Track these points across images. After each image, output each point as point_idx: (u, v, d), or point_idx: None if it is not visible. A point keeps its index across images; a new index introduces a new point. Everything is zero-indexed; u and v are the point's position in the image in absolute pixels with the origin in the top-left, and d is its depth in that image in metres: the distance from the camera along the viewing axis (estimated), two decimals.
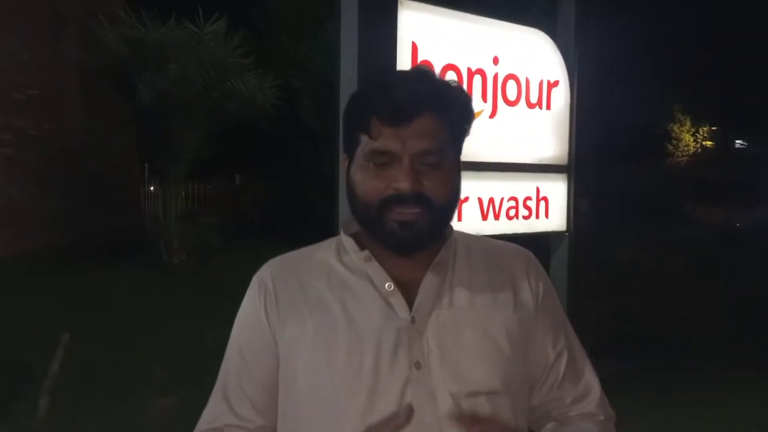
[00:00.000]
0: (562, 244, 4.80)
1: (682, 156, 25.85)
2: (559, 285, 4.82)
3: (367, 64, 3.55)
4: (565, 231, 4.73)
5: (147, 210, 12.65)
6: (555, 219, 4.66)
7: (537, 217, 4.55)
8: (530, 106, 4.48)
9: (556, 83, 4.65)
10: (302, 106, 11.34)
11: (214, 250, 9.94)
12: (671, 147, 25.53)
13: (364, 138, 1.06)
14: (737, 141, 29.10)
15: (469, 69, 4.08)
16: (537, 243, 4.66)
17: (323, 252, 1.17)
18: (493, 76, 4.21)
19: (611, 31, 12.40)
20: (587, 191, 4.91)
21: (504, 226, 4.29)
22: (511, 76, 4.33)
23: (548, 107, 4.60)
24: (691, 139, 26.29)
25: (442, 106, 1.06)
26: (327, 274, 1.13)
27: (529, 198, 4.50)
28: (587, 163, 4.83)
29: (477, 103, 4.09)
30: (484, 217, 4.18)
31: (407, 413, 1.02)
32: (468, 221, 4.08)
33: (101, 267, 8.25)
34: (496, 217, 4.27)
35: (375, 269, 1.10)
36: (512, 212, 4.38)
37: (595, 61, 5.06)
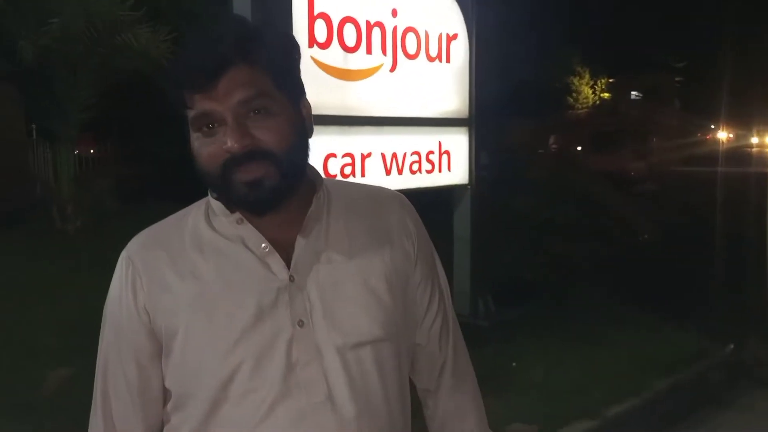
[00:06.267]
0: (465, 196, 4.90)
1: (582, 108, 26.81)
2: (462, 236, 4.94)
3: (262, 16, 3.43)
4: (468, 184, 4.82)
5: (38, 174, 12.00)
6: (458, 172, 4.74)
7: (440, 170, 4.60)
8: (430, 59, 4.48)
9: (455, 36, 4.66)
10: None
11: (111, 214, 9.56)
12: (571, 99, 26.42)
13: (186, 110, 1.01)
14: (633, 92, 30.42)
15: (367, 22, 4.02)
16: (440, 196, 4.73)
17: (193, 217, 1.12)
18: (392, 28, 4.18)
19: None
20: (488, 144, 4.99)
21: (408, 181, 4.33)
22: (410, 29, 4.30)
23: (448, 60, 4.61)
24: (590, 92, 27.29)
25: (248, 54, 0.99)
26: (198, 242, 1.08)
27: (431, 152, 4.54)
28: (488, 116, 4.90)
29: (377, 57, 4.06)
30: (388, 172, 4.19)
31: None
32: (372, 176, 4.08)
33: None
34: (400, 171, 4.29)
35: (248, 231, 1.06)
36: (415, 167, 4.41)
37: (494, 14, 5.10)
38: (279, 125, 1.00)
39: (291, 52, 1.05)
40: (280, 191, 1.02)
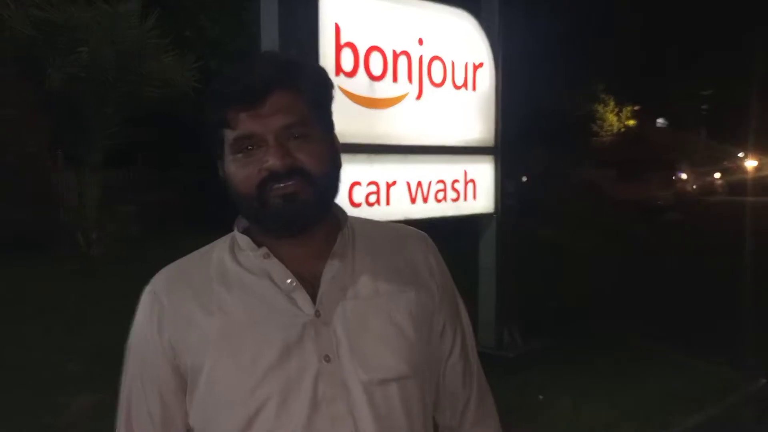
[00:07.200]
0: (490, 225, 4.86)
1: (607, 135, 26.69)
2: (488, 266, 4.88)
3: (290, 45, 3.45)
4: (493, 213, 4.78)
5: (63, 200, 12.15)
6: (483, 201, 4.70)
7: (465, 199, 4.57)
8: (456, 87, 4.48)
9: (481, 65, 4.65)
10: None
11: (135, 240, 9.63)
12: (596, 127, 26.31)
13: (226, 132, 1.03)
14: (658, 120, 30.26)
15: (394, 51, 4.03)
16: (465, 224, 4.69)
17: (218, 252, 1.12)
18: (418, 57, 4.18)
19: (535, 13, 12.58)
20: (514, 172, 4.96)
21: (433, 209, 4.30)
22: (436, 58, 4.31)
23: (474, 89, 4.61)
24: (615, 119, 27.19)
25: (293, 81, 1.03)
26: (223, 276, 1.08)
27: (457, 180, 4.52)
28: (513, 144, 4.88)
29: (403, 85, 4.06)
30: (413, 200, 4.17)
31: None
32: (396, 205, 4.07)
33: (12, 260, 7.85)
34: (425, 200, 4.27)
35: (274, 266, 1.07)
36: (441, 195, 4.39)
37: (520, 42, 5.10)
38: (316, 150, 1.03)
39: (327, 86, 1.09)
40: (312, 210, 1.03)
